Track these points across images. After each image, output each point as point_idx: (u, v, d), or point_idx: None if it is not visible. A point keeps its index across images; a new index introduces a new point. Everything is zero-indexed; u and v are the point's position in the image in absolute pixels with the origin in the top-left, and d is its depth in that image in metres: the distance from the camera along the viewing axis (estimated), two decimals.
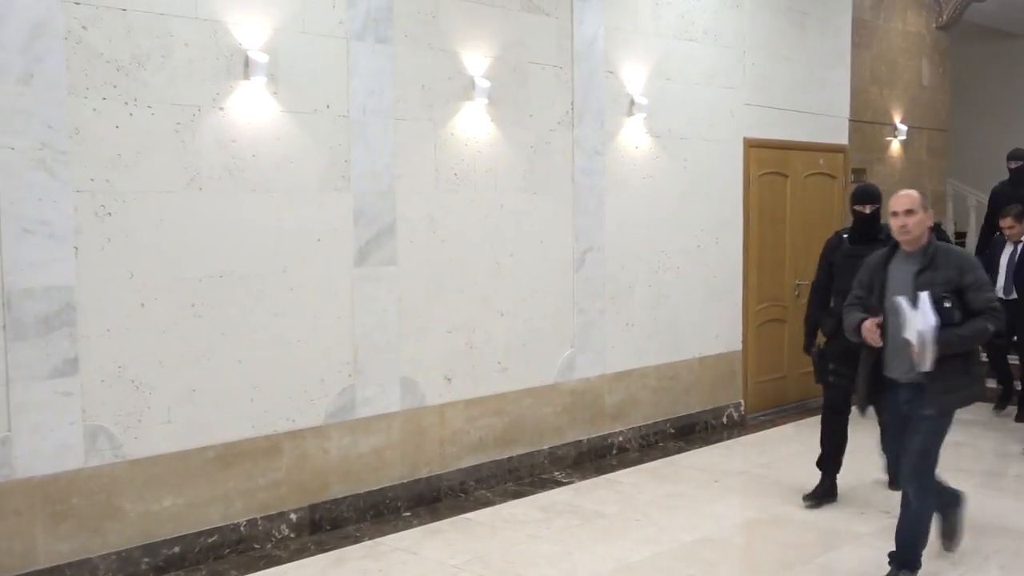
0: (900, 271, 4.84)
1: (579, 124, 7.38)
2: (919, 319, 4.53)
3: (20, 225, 4.86)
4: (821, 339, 6.52)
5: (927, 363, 4.55)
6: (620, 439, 7.46)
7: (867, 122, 9.99)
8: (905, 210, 4.82)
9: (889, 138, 10.39)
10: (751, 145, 8.53)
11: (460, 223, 6.80)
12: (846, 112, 9.62)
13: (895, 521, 5.10)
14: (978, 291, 4.71)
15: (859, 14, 9.69)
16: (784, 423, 8.43)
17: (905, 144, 10.56)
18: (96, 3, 5.07)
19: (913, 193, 4.86)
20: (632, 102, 7.72)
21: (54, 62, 4.95)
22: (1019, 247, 8.05)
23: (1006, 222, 8.13)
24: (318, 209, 5.91)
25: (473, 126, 6.74)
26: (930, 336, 4.52)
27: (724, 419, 8.50)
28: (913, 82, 10.76)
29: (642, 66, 7.87)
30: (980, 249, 8.88)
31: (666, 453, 7.63)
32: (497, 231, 7.04)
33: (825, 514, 6.19)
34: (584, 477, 7.03)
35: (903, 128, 10.41)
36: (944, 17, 10.95)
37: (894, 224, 4.90)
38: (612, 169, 7.67)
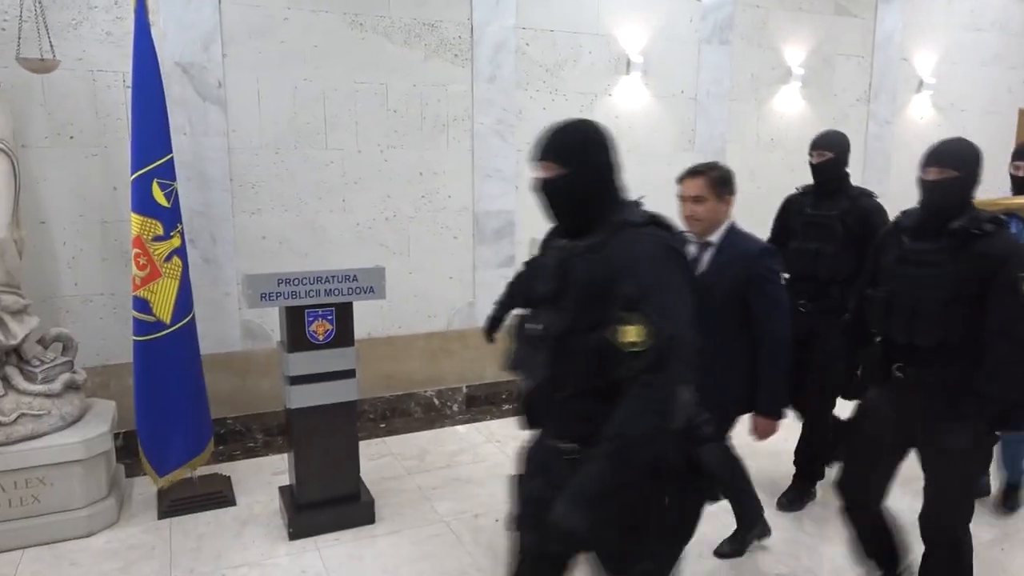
0: None
1: (874, 100, 8.12)
2: None
3: (485, 172, 6.38)
4: None
5: None
6: None
7: None
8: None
9: None
10: None
11: (773, 174, 7.67)
12: None
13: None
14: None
15: None
16: None
17: None
18: (534, 27, 6.42)
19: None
20: (921, 82, 8.33)
21: (508, 68, 6.34)
22: None
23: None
24: (668, 165, 6.80)
25: (788, 104, 7.70)
26: None
27: None
28: None
29: (932, 53, 8.44)
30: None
31: None
32: (801, 180, 7.21)
33: None
34: None
35: None
36: None
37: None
38: (899, 135, 8.32)
